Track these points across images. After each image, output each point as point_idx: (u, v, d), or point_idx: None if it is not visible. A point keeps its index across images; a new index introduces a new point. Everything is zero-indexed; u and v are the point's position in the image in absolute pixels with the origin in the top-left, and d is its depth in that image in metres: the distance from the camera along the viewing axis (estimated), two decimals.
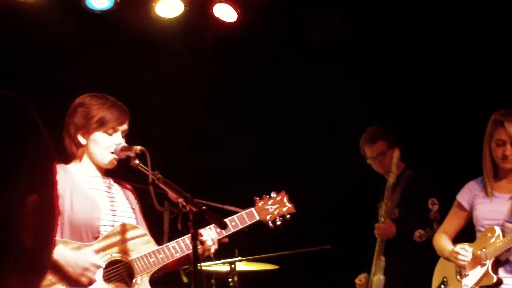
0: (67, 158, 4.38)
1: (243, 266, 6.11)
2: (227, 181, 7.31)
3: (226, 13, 6.63)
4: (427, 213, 6.11)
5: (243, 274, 6.17)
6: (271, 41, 7.35)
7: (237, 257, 5.97)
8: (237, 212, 4.46)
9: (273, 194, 4.62)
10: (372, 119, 6.85)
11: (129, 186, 4.54)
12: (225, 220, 4.24)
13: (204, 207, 3.77)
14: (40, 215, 1.56)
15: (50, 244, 1.62)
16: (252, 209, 4.51)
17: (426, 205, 6.16)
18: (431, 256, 5.70)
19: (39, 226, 1.56)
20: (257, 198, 4.57)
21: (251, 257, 6.09)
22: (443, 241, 5.55)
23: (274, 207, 4.56)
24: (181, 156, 7.44)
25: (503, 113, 5.29)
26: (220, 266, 6.03)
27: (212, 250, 4.29)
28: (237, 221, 4.42)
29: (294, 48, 7.41)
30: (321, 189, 7.44)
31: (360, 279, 6.51)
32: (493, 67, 6.87)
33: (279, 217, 4.57)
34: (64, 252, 4.00)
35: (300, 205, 4.75)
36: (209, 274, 6.21)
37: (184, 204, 3.82)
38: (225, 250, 5.59)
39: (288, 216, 4.61)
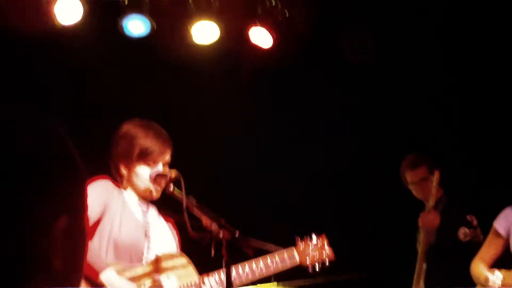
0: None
1: None
2: (262, 210, 7.30)
3: (262, 39, 6.65)
4: (467, 221, 6.06)
5: None
6: (306, 67, 7.35)
7: (272, 282, 5.94)
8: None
9: (314, 237, 4.59)
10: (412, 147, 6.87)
11: (170, 218, 4.55)
12: (267, 256, 4.25)
13: (237, 233, 3.77)
14: (70, 238, 1.57)
15: (79, 268, 1.63)
16: (294, 251, 4.49)
17: (465, 217, 6.12)
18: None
19: (69, 250, 1.57)
20: (299, 238, 4.54)
21: (286, 282, 6.06)
22: (479, 268, 5.50)
23: (315, 252, 4.54)
24: (214, 182, 7.44)
25: None
26: None
27: None
28: (278, 261, 4.40)
29: (329, 72, 7.41)
30: (358, 216, 7.43)
31: None
32: None
33: (319, 263, 4.55)
34: (115, 279, 4.01)
35: (337, 229, 4.73)
36: None
37: (218, 230, 3.83)
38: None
39: (327, 263, 4.59)
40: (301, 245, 4.52)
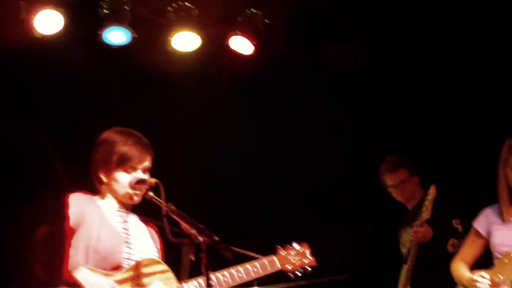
0: (95, 191, 4.45)
1: None
2: (245, 216, 7.33)
3: (242, 46, 6.69)
4: (454, 230, 6.10)
5: None
6: (288, 73, 7.39)
7: (255, 287, 5.96)
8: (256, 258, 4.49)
9: (295, 245, 4.64)
10: (394, 148, 6.90)
11: (151, 224, 4.58)
12: (246, 265, 4.30)
13: (217, 238, 3.81)
14: (51, 246, 1.58)
15: (60, 276, 1.63)
16: (274, 257, 4.53)
17: (451, 224, 6.16)
18: None
19: (50, 258, 1.59)
20: (279, 246, 4.59)
21: (269, 287, 6.07)
22: (460, 269, 5.53)
23: (297, 258, 4.59)
24: (194, 189, 7.46)
25: None
26: None
27: None
28: (259, 267, 4.44)
29: (311, 80, 7.45)
30: (339, 216, 7.47)
31: None
32: None
33: (301, 268, 4.59)
34: (90, 276, 4.04)
35: (320, 233, 4.76)
36: None
37: (197, 235, 3.87)
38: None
39: (309, 268, 4.64)
40: (282, 252, 4.57)
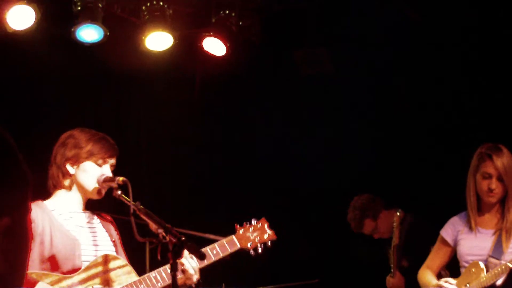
0: (46, 194, 4.41)
1: None
2: (210, 212, 7.33)
3: (215, 47, 6.68)
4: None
5: None
6: (258, 75, 7.40)
7: None
8: (218, 240, 4.47)
9: (253, 221, 4.61)
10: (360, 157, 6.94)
11: (109, 218, 4.55)
12: (206, 248, 4.27)
13: (183, 238, 3.79)
14: (12, 238, 1.57)
15: (21, 267, 1.63)
16: (233, 236, 4.51)
17: (428, 251, 6.22)
18: None
19: (11, 249, 1.57)
20: (238, 225, 4.57)
21: None
22: (427, 276, 5.54)
23: (255, 234, 4.56)
24: (166, 188, 7.44)
25: (490, 146, 5.30)
26: None
27: (194, 280, 4.28)
28: (218, 249, 4.42)
29: (280, 82, 7.47)
30: (310, 219, 7.49)
31: None
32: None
33: (261, 244, 4.57)
34: (44, 286, 4.01)
35: (288, 236, 4.74)
36: None
37: (164, 234, 3.85)
38: (212, 283, 5.59)
39: (269, 243, 4.62)
40: (240, 230, 4.54)
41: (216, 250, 4.41)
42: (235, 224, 4.56)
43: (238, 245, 4.50)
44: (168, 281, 4.23)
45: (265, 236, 4.59)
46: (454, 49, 6.90)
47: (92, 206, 4.48)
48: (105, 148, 4.32)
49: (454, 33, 6.82)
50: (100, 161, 4.30)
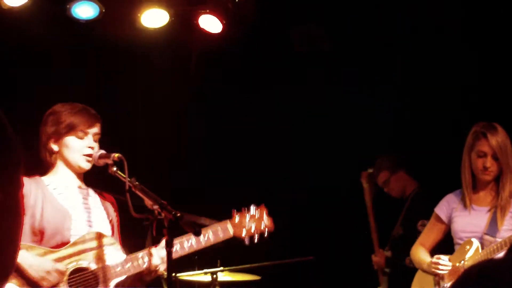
0: (44, 170, 4.41)
1: (224, 276, 6.10)
2: (210, 192, 7.33)
3: (211, 24, 6.65)
4: (416, 236, 6.12)
5: (225, 285, 6.17)
6: (255, 53, 7.38)
7: (219, 267, 5.97)
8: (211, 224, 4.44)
9: (252, 208, 4.53)
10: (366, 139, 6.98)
11: (110, 197, 4.55)
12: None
13: (179, 214, 3.79)
14: (4, 213, 1.57)
15: (14, 243, 1.63)
16: (228, 223, 4.44)
17: (416, 228, 6.25)
18: None
19: (3, 225, 1.58)
20: (235, 210, 4.51)
21: (233, 267, 6.09)
22: (421, 254, 5.56)
23: (252, 223, 4.47)
24: (163, 167, 7.44)
25: (484, 125, 5.31)
26: (201, 276, 6.02)
27: (161, 269, 4.21)
28: (211, 235, 4.37)
29: (277, 60, 7.45)
30: (305, 199, 7.49)
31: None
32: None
33: (257, 234, 4.51)
34: (27, 256, 4.02)
35: (284, 215, 4.71)
36: (191, 284, 6.20)
37: (160, 211, 3.85)
38: (207, 259, 5.60)
39: (266, 234, 4.54)
40: (236, 217, 4.47)
41: (208, 236, 4.36)
42: (233, 210, 4.49)
43: (232, 233, 4.44)
44: (154, 262, 4.20)
45: (262, 226, 4.51)
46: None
47: (93, 184, 4.49)
48: (84, 119, 4.31)
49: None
50: (80, 134, 4.31)
